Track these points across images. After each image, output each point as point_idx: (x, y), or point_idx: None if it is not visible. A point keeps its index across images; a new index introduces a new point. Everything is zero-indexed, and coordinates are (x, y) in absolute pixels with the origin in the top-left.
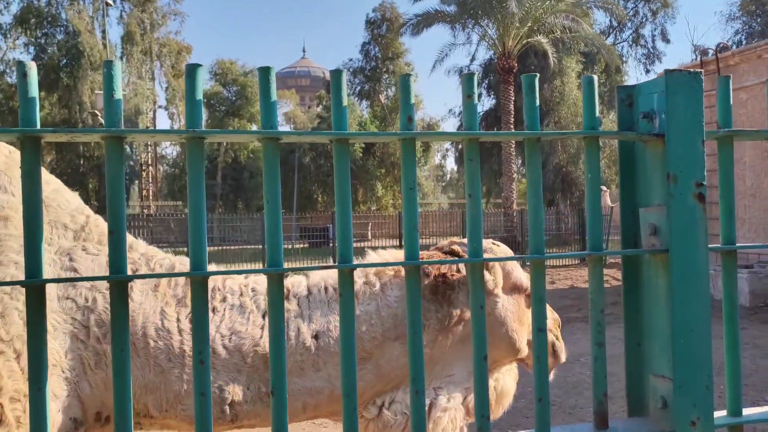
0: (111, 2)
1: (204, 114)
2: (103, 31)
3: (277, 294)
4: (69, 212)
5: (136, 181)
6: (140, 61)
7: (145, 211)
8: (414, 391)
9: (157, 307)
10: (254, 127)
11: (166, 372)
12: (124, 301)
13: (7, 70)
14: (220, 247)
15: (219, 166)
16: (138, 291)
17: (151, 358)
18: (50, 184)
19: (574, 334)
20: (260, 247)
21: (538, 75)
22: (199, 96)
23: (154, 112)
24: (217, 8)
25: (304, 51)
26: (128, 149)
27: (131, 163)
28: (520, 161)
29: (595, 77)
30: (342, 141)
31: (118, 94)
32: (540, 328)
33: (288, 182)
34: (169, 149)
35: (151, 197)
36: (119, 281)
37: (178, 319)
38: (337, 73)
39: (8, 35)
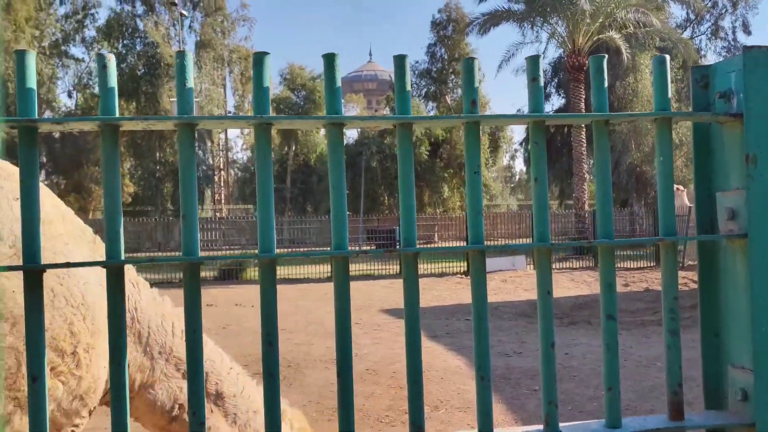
0: (185, 12)
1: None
2: (180, 41)
3: (343, 276)
4: (82, 226)
5: (209, 186)
6: (212, 68)
7: (218, 214)
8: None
9: (158, 311)
10: (322, 132)
11: (155, 360)
12: (197, 281)
13: (90, 81)
14: (289, 249)
15: (288, 170)
16: (145, 298)
17: (149, 347)
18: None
19: (648, 338)
20: (329, 249)
21: (606, 56)
22: (266, 83)
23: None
24: (284, 14)
25: (370, 54)
26: (201, 154)
27: (204, 167)
28: (591, 162)
29: (667, 57)
30: (405, 125)
31: (190, 83)
32: (610, 316)
33: (355, 185)
34: (240, 154)
35: (223, 201)
36: (192, 263)
37: (172, 324)
38: (400, 58)
39: (92, 47)
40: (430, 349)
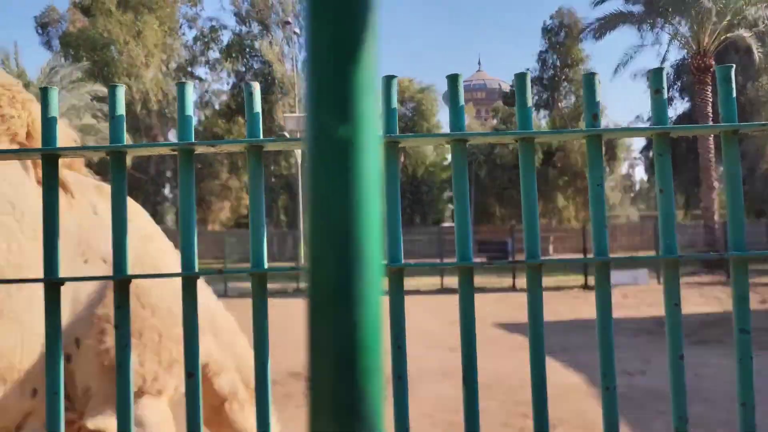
0: (297, 31)
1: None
2: (294, 58)
3: (468, 287)
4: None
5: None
6: None
7: None
8: None
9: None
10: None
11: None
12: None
13: (212, 98)
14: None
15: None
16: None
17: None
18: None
19: None
20: (437, 260)
21: (734, 66)
22: (394, 104)
23: None
24: (393, 26)
25: (479, 64)
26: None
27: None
28: (721, 169)
29: None
30: (527, 140)
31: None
32: (743, 329)
33: None
34: None
35: None
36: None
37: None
38: (521, 76)
39: (215, 68)
40: (546, 365)
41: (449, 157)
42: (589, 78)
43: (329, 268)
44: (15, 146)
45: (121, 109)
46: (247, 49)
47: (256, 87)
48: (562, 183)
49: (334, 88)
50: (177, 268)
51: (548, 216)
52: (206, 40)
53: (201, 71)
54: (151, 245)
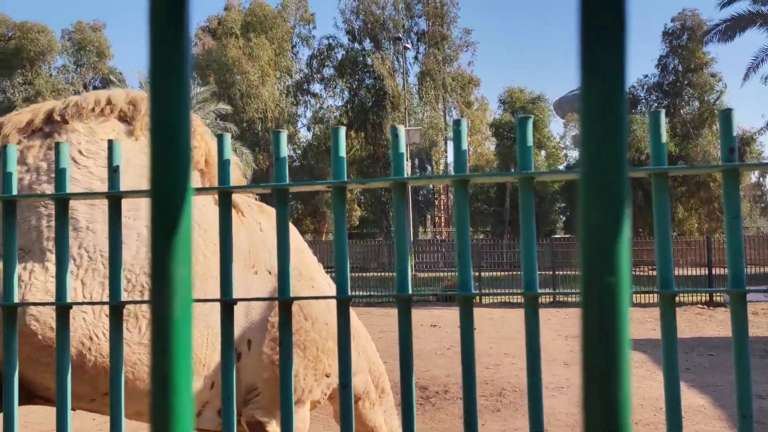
0: (408, 46)
1: (493, 142)
2: (404, 73)
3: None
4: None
5: (430, 209)
6: (434, 97)
7: (438, 237)
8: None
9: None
10: (542, 153)
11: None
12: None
13: (326, 115)
14: (509, 273)
15: (507, 192)
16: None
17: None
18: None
19: None
20: (549, 273)
21: None
22: (464, 146)
23: (446, 142)
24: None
25: None
26: None
27: (424, 191)
28: None
29: None
30: (661, 175)
31: (464, 145)
32: None
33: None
34: None
35: (443, 224)
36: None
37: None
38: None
39: (329, 85)
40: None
41: (561, 166)
42: (726, 115)
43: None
44: (196, 173)
45: (284, 152)
46: (360, 66)
47: (401, 129)
48: (682, 194)
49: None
50: (325, 279)
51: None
52: (321, 57)
53: (316, 87)
54: (305, 257)
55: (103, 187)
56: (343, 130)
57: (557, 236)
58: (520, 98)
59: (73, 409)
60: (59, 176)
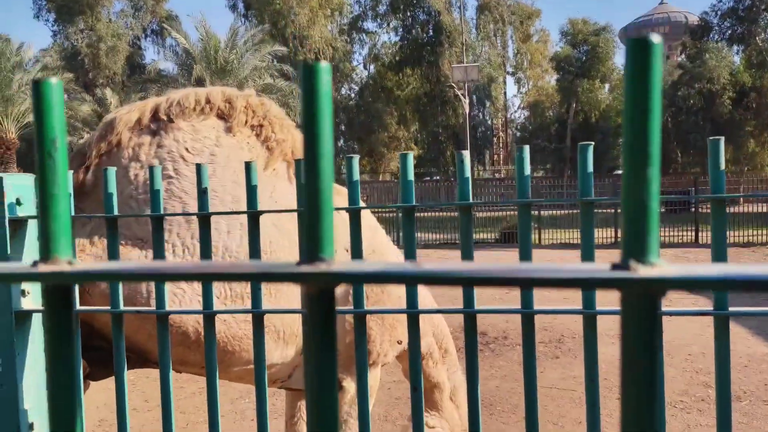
0: None
1: (553, 76)
2: (460, 7)
3: None
4: None
5: (488, 147)
6: (492, 31)
7: (496, 175)
8: None
9: None
10: (606, 87)
11: None
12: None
13: (382, 52)
14: (569, 212)
15: (569, 128)
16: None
17: None
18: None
19: None
20: (611, 210)
21: None
22: (527, 171)
23: (504, 78)
24: None
25: None
26: (480, 116)
27: (482, 128)
28: None
29: None
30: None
31: (527, 172)
32: None
33: None
34: (518, 113)
35: (501, 162)
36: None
37: None
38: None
39: (383, 20)
40: (731, 331)
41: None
42: None
43: None
44: (285, 165)
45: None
46: (414, 1)
47: (466, 155)
48: (754, 127)
49: None
50: (398, 256)
51: (737, 162)
52: None
53: (370, 25)
54: (377, 235)
55: (212, 182)
56: (410, 156)
57: (619, 172)
58: (583, 30)
59: (186, 372)
60: (154, 197)
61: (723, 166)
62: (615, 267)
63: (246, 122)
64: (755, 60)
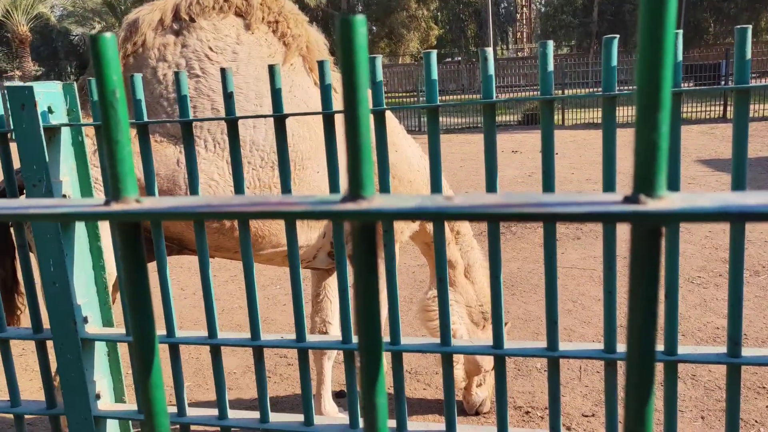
0: None
1: None
2: None
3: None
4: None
5: (511, 24)
6: None
7: (519, 53)
8: None
9: None
10: None
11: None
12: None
13: None
14: (595, 90)
15: (596, 0)
16: None
17: None
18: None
19: None
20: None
21: None
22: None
23: None
24: None
25: None
26: None
27: (505, 4)
28: None
29: None
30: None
31: (550, 67)
32: None
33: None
34: None
35: (525, 39)
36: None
37: None
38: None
39: None
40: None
41: None
42: None
43: None
44: (301, 59)
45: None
46: None
47: (490, 52)
48: None
49: None
50: (411, 148)
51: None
52: None
53: None
54: (390, 123)
55: (236, 80)
56: (434, 55)
57: None
58: None
59: (220, 257)
60: (182, 102)
61: (749, 55)
62: (626, 200)
63: (263, 19)
64: None
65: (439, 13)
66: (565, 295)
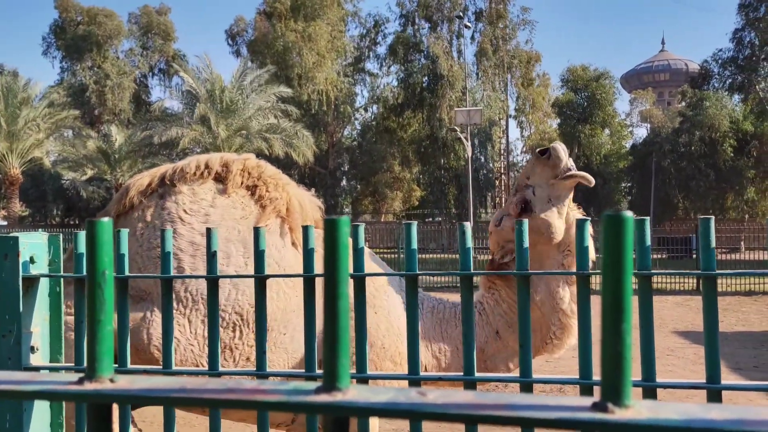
0: (468, 24)
1: (555, 120)
2: (459, 52)
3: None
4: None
5: (490, 190)
6: (493, 75)
7: None
8: None
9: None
10: (606, 132)
11: None
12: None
13: (383, 93)
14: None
15: None
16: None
17: None
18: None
19: None
20: None
21: None
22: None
23: (507, 121)
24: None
25: (663, 43)
26: (482, 159)
27: (485, 171)
28: None
29: None
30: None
31: (526, 244)
32: None
33: (644, 187)
34: (520, 157)
35: (503, 204)
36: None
37: None
38: (462, 227)
39: (383, 64)
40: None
41: (627, 144)
42: None
43: None
44: (279, 221)
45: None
46: (412, 47)
47: (468, 226)
48: (755, 176)
49: None
50: (392, 298)
51: (739, 210)
52: (371, 35)
53: (371, 65)
54: (373, 317)
55: (204, 241)
56: (414, 226)
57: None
58: (583, 77)
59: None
60: (164, 259)
61: (713, 244)
62: (595, 406)
63: (242, 183)
64: (756, 109)
65: (421, 176)
66: None
